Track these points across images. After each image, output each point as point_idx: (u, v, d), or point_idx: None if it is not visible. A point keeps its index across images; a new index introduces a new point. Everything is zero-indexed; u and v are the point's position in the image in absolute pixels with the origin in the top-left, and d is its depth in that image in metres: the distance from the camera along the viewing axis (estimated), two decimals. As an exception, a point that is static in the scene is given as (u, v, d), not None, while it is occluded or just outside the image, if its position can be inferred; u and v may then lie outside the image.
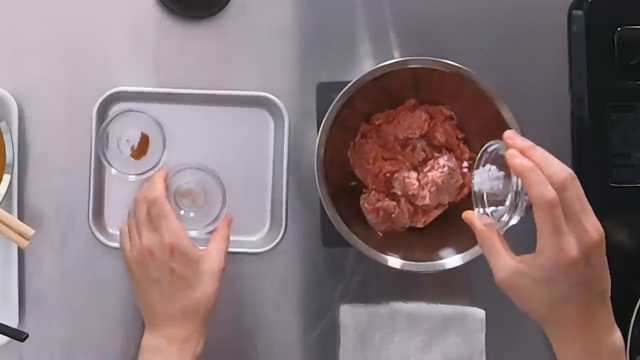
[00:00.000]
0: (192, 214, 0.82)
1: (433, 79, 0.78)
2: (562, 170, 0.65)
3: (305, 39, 0.84)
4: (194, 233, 0.80)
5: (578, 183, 0.65)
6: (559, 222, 0.64)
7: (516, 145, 0.67)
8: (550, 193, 0.64)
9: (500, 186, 0.70)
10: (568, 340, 0.68)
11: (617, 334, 0.68)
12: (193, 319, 0.75)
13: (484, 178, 0.71)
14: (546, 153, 0.66)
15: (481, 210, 0.72)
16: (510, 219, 0.67)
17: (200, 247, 0.76)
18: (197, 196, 0.82)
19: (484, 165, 0.70)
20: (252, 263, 0.83)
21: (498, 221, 0.69)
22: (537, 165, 0.65)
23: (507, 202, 0.67)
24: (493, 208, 0.71)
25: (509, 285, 0.68)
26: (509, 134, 0.68)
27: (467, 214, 0.72)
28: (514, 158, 0.66)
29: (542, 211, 0.64)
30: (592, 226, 0.65)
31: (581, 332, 0.67)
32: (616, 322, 0.67)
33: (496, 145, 0.69)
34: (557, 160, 0.66)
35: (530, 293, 0.68)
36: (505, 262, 0.68)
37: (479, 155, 0.71)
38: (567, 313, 0.67)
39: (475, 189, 0.72)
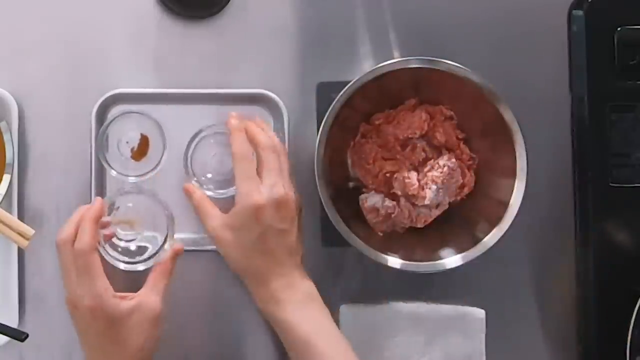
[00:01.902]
0: (132, 247, 0.78)
1: (433, 79, 0.78)
2: (267, 139, 0.76)
3: (305, 39, 0.84)
4: (140, 267, 0.77)
5: (283, 158, 0.77)
6: (249, 172, 0.75)
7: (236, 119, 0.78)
8: (244, 148, 0.75)
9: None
10: (259, 288, 0.76)
11: (308, 283, 0.76)
12: None
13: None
14: (258, 129, 0.77)
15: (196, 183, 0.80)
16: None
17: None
18: (135, 223, 0.78)
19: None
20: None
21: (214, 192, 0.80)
22: (250, 133, 0.76)
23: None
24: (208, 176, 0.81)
25: (216, 235, 0.76)
26: (233, 113, 0.78)
27: (187, 186, 0.80)
28: (231, 119, 0.77)
29: (236, 161, 0.75)
30: (286, 186, 0.75)
31: (269, 279, 0.75)
32: (616, 322, 0.67)
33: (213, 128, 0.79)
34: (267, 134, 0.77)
35: (230, 243, 0.76)
36: (214, 214, 0.77)
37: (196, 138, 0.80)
38: (256, 260, 0.75)
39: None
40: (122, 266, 0.77)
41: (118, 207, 0.78)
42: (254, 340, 0.83)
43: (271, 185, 0.75)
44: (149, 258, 0.77)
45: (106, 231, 0.77)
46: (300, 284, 0.76)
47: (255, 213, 0.74)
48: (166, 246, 0.77)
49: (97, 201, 0.75)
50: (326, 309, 0.76)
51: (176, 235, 0.81)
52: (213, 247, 0.80)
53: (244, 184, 0.75)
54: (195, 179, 0.81)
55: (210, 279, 0.83)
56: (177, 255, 0.77)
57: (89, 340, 0.73)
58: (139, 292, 0.75)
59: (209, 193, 0.80)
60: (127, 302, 0.73)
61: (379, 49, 0.84)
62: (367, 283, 0.84)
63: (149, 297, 0.74)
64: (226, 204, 0.78)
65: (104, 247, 0.76)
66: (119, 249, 0.78)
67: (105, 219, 0.76)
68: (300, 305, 0.75)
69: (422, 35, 0.84)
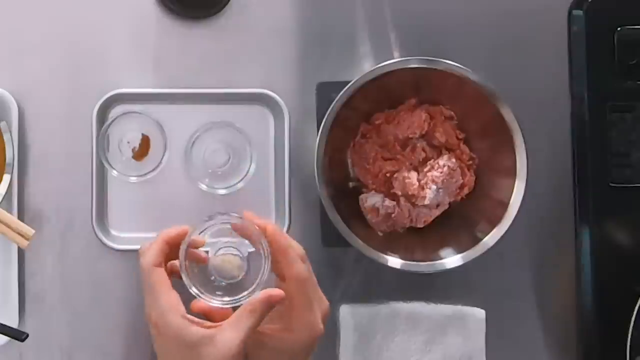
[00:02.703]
0: (223, 282, 0.70)
1: (433, 79, 0.78)
2: (299, 245, 0.70)
3: (305, 39, 0.84)
4: (215, 303, 0.68)
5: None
6: (311, 297, 0.68)
7: (254, 219, 0.69)
8: (305, 268, 0.68)
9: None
10: None
11: None
12: None
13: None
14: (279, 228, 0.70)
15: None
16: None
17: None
18: (236, 266, 0.70)
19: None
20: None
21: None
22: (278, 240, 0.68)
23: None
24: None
25: (248, 353, 0.67)
26: (249, 215, 0.70)
27: (197, 304, 0.69)
28: (277, 234, 0.68)
29: (301, 286, 0.67)
30: (322, 295, 0.70)
31: None
32: (616, 322, 0.67)
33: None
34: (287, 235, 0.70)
35: None
36: (243, 334, 0.65)
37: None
38: None
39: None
40: (198, 296, 0.69)
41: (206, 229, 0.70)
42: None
43: (323, 311, 0.70)
44: (232, 300, 0.68)
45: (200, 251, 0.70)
46: None
47: (315, 342, 0.68)
48: (257, 288, 0.67)
49: (181, 228, 0.70)
50: None
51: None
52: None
53: (308, 313, 0.67)
54: (196, 175, 0.81)
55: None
56: (271, 302, 0.66)
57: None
58: (220, 323, 0.67)
59: (208, 189, 0.80)
60: (199, 328, 0.65)
61: (379, 49, 0.84)
62: (367, 283, 0.84)
63: (227, 332, 0.64)
64: (228, 200, 0.78)
65: (186, 272, 0.68)
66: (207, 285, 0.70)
67: (197, 237, 0.70)
68: None
69: (422, 35, 0.84)
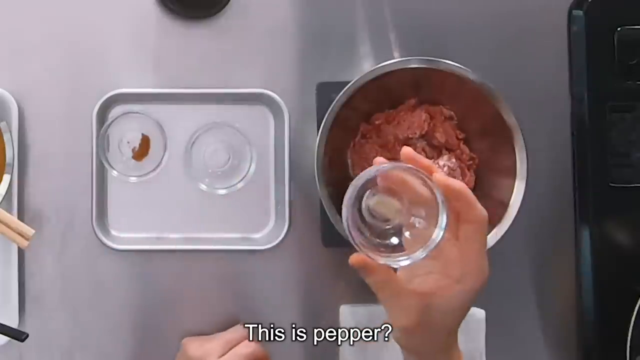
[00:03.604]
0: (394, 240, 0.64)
1: (433, 79, 0.78)
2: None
3: (305, 39, 0.84)
4: (403, 262, 0.62)
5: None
6: (486, 241, 0.63)
7: (423, 163, 0.62)
8: (484, 210, 0.62)
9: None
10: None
11: None
12: None
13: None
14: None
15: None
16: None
17: None
18: (393, 209, 0.63)
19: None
20: (252, 262, 0.83)
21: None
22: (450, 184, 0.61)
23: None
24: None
25: (418, 328, 0.63)
26: (409, 153, 0.63)
27: (357, 257, 0.63)
28: (447, 178, 0.61)
29: (480, 229, 0.62)
30: None
31: (452, 356, 0.66)
32: (616, 322, 0.67)
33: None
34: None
35: (435, 327, 0.64)
36: (412, 303, 0.62)
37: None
38: (454, 340, 0.66)
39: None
40: (381, 260, 0.62)
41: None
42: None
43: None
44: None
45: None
46: None
47: (482, 291, 0.64)
48: (437, 238, 0.60)
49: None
50: None
51: (175, 235, 0.82)
52: (213, 247, 0.80)
53: (482, 258, 0.62)
54: (196, 175, 0.81)
55: (209, 279, 0.83)
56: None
57: None
58: None
59: (208, 189, 0.80)
60: None
61: (379, 49, 0.84)
62: (367, 283, 0.84)
63: None
64: (228, 200, 0.77)
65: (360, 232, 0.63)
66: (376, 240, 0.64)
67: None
68: None
69: (422, 35, 0.84)
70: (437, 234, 0.60)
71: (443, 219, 0.60)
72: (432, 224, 0.60)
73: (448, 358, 0.66)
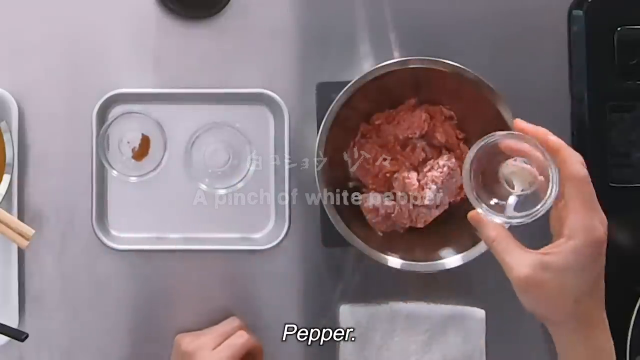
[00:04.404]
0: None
1: (433, 79, 0.78)
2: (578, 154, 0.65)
3: (305, 39, 0.84)
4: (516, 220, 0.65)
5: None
6: (592, 198, 0.63)
7: (530, 129, 0.66)
8: (584, 168, 0.64)
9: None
10: (580, 340, 0.64)
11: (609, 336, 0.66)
12: None
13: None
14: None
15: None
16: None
17: None
18: (527, 177, 0.66)
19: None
20: (252, 262, 0.83)
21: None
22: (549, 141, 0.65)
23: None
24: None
25: (532, 282, 0.62)
26: (520, 122, 0.67)
27: (473, 214, 0.68)
28: (548, 135, 0.65)
29: (580, 186, 0.63)
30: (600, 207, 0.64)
31: (593, 332, 0.64)
32: (616, 322, 0.67)
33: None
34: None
35: (554, 288, 0.63)
36: (526, 257, 0.63)
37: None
38: (587, 310, 0.64)
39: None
40: (497, 219, 0.66)
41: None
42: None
43: (602, 219, 0.63)
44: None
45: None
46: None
47: (599, 250, 0.62)
48: (552, 195, 0.64)
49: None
50: None
51: (175, 235, 0.82)
52: (213, 247, 0.80)
53: (589, 214, 0.62)
54: (196, 175, 0.81)
55: (209, 279, 0.83)
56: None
57: None
58: None
59: (208, 189, 0.80)
60: None
61: (379, 49, 0.84)
62: (367, 283, 0.84)
63: None
64: (228, 200, 0.77)
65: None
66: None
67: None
68: None
69: (422, 35, 0.84)
70: (551, 189, 0.63)
71: (555, 175, 0.63)
72: (544, 187, 0.64)
73: (585, 333, 0.64)
